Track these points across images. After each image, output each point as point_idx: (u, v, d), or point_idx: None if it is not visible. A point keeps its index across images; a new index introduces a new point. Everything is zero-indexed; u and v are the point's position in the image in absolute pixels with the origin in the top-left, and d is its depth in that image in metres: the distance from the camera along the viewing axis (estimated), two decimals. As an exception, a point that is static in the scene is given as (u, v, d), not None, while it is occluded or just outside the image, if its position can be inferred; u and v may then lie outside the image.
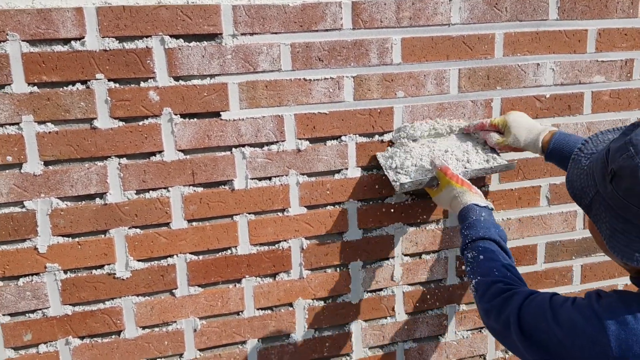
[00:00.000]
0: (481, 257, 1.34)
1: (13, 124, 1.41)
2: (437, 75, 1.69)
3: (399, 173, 1.59)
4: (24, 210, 1.45)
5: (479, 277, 1.31)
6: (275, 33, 1.54)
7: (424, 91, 1.69)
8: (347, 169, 1.67)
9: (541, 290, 1.93)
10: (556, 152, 1.53)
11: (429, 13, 1.64)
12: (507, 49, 1.74)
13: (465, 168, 1.61)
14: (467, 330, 1.92)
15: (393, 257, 1.78)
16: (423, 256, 1.81)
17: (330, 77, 1.60)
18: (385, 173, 1.62)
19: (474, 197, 1.48)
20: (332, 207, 1.70)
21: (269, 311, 1.71)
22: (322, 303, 1.75)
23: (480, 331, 1.94)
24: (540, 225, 1.91)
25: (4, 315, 1.49)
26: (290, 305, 1.72)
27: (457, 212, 1.49)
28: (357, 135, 1.66)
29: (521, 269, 1.91)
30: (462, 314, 1.89)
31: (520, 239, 1.91)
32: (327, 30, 1.57)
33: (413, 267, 1.80)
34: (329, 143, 1.65)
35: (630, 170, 0.96)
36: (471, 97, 1.74)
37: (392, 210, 1.74)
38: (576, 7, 1.76)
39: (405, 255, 1.79)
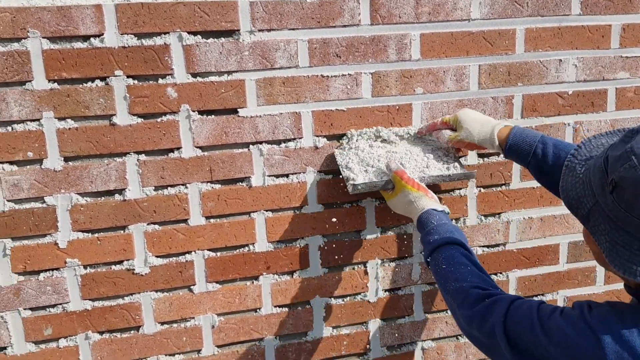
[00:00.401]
0: (451, 262, 1.29)
1: (34, 120, 1.42)
2: (456, 72, 1.67)
3: (353, 173, 1.54)
4: (44, 205, 1.47)
5: (453, 284, 1.26)
6: (293, 29, 1.53)
7: (443, 87, 1.67)
8: (365, 166, 1.66)
9: (561, 292, 1.91)
10: (515, 147, 1.46)
11: (448, 8, 1.62)
12: (528, 45, 1.71)
13: (423, 173, 1.56)
14: (487, 331, 1.89)
15: (411, 256, 1.76)
16: (442, 255, 1.79)
17: (348, 74, 1.59)
18: (341, 172, 1.58)
19: (430, 201, 1.44)
20: (349, 204, 1.69)
21: (287, 309, 1.70)
22: (339, 301, 1.74)
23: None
24: (562, 224, 1.88)
25: (25, 309, 1.51)
26: (308, 303, 1.72)
27: (415, 218, 1.45)
28: (375, 132, 1.65)
29: (543, 269, 1.89)
30: (482, 313, 1.86)
31: (542, 239, 1.87)
32: (344, 26, 1.56)
33: (432, 265, 1.78)
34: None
35: (633, 181, 0.90)
36: (491, 93, 1.71)
37: (411, 208, 1.72)
38: (599, 2, 1.72)
39: (424, 253, 1.77)
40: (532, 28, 1.70)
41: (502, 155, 1.72)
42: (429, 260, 1.37)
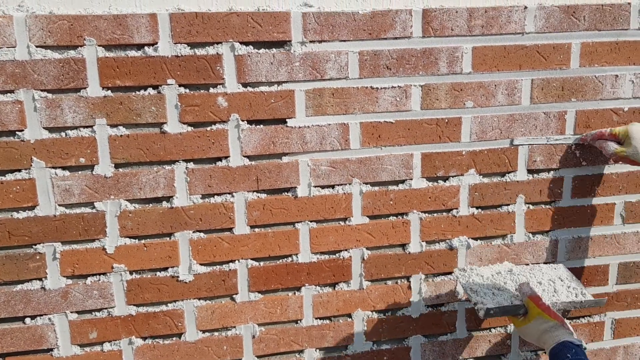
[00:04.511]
0: None
1: (87, 127, 1.44)
2: (508, 86, 1.63)
3: (479, 296, 1.52)
4: (94, 211, 1.48)
5: None
6: (344, 41, 1.52)
7: (494, 101, 1.63)
8: (411, 179, 1.64)
9: (609, 314, 1.85)
10: None
11: (502, 21, 1.58)
12: (583, 59, 1.66)
13: (555, 299, 1.51)
14: (531, 352, 1.84)
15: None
16: (488, 272, 1.76)
17: (398, 86, 1.57)
18: (468, 295, 1.56)
19: (566, 333, 1.36)
20: (394, 217, 1.66)
21: (328, 321, 1.69)
22: (381, 315, 1.72)
23: (546, 352, 1.86)
24: (613, 245, 1.82)
25: (71, 312, 1.53)
26: (349, 316, 1.70)
27: (548, 349, 1.37)
28: (423, 145, 1.63)
29: (591, 290, 1.83)
30: (527, 333, 1.82)
31: (592, 259, 1.82)
32: (396, 38, 1.55)
33: (477, 282, 1.75)
34: (394, 152, 1.62)
35: None
36: (544, 108, 1.67)
37: (457, 223, 1.69)
38: (660, 16, 1.67)
39: (469, 270, 1.74)
40: (588, 42, 1.65)
41: (553, 173, 1.68)
42: None
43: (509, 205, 1.72)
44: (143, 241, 1.53)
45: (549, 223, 1.75)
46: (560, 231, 1.77)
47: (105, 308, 1.55)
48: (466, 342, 1.78)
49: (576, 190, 1.74)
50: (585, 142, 1.66)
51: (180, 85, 1.46)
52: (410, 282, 1.71)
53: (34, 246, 1.48)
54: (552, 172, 1.72)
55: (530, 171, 1.70)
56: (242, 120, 1.51)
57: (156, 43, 1.43)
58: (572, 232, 1.78)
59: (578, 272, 1.81)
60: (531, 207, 1.73)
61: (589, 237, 1.80)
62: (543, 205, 1.74)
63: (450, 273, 1.72)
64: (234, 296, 1.61)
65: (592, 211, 1.77)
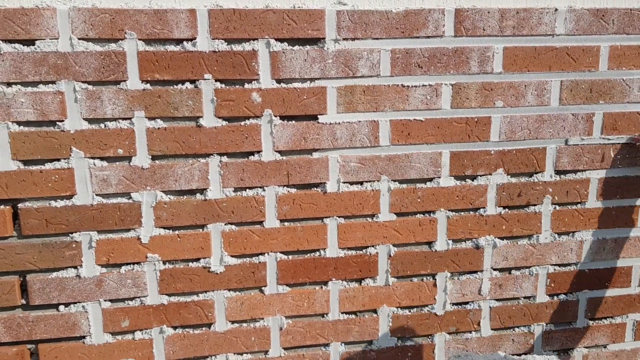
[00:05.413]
0: None
1: (126, 119, 1.48)
2: (538, 86, 1.65)
3: None
4: (130, 201, 1.52)
5: None
6: (377, 39, 1.55)
7: (524, 102, 1.65)
8: (439, 177, 1.66)
9: (631, 315, 1.85)
10: None
11: (533, 23, 1.60)
12: (612, 62, 1.68)
13: None
14: (553, 351, 1.85)
15: (482, 271, 1.75)
16: (513, 272, 1.77)
17: (429, 84, 1.60)
18: None
19: None
20: (422, 215, 1.68)
21: (353, 316, 1.71)
22: (406, 312, 1.73)
23: (568, 353, 1.87)
24: (636, 247, 1.83)
25: (105, 300, 1.56)
26: (375, 311, 1.72)
27: None
28: (452, 144, 1.65)
29: (614, 291, 1.84)
30: (550, 333, 1.83)
31: (615, 260, 1.82)
32: (428, 37, 1.57)
33: (502, 282, 1.76)
34: (422, 150, 1.64)
35: None
36: (572, 110, 1.69)
37: (484, 222, 1.71)
38: (690, 21, 1.68)
39: (495, 269, 1.75)
40: (617, 46, 1.67)
41: (580, 174, 1.69)
42: None
43: (535, 205, 1.73)
44: (177, 232, 1.56)
45: (575, 224, 1.77)
46: (585, 232, 1.78)
47: (138, 297, 1.58)
48: (490, 341, 1.79)
49: (602, 191, 1.75)
50: (638, 142, 1.67)
51: (216, 80, 1.49)
52: (435, 279, 1.73)
53: (70, 234, 1.51)
54: (578, 173, 1.73)
55: (557, 172, 1.72)
56: (275, 116, 1.54)
57: (195, 38, 1.46)
58: (597, 233, 1.79)
59: (602, 273, 1.82)
60: (557, 207, 1.75)
61: (613, 239, 1.80)
62: (569, 206, 1.75)
63: (476, 272, 1.74)
64: (263, 288, 1.64)
65: (617, 213, 1.78)
